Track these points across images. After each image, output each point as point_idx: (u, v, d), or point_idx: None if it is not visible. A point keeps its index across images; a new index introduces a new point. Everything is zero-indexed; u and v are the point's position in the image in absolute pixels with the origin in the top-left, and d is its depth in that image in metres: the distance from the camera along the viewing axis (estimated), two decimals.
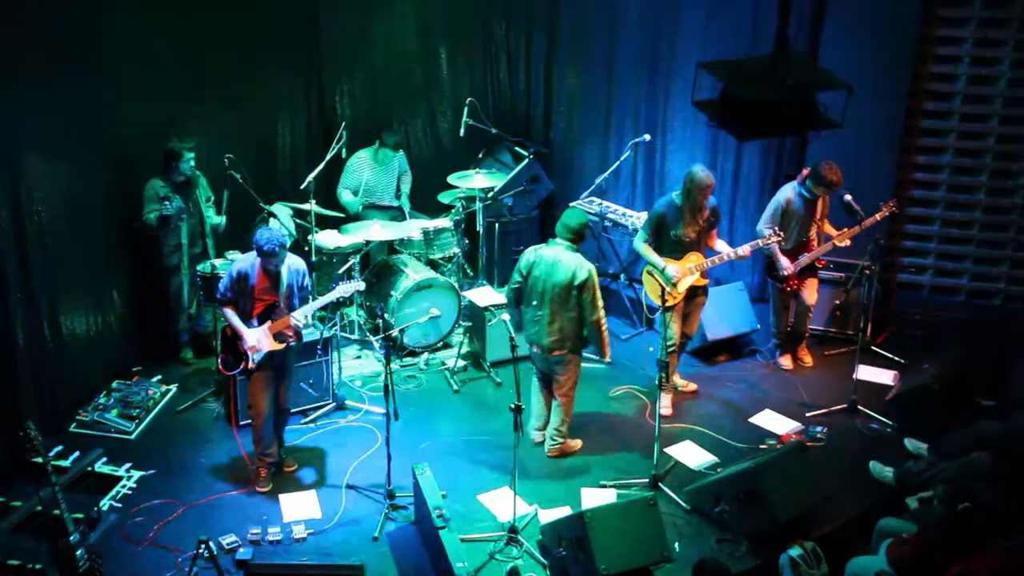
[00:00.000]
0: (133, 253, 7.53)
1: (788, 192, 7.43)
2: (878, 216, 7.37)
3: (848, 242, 7.38)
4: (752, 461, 5.91)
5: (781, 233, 7.17)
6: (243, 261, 6.22)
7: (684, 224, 6.89)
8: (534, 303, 6.40)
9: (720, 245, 7.11)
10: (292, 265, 6.23)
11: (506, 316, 6.36)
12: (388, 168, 8.53)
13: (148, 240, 7.36)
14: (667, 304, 6.75)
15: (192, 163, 7.24)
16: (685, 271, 6.96)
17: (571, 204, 8.55)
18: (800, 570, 5.38)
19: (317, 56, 8.64)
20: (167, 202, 7.11)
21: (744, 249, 7.01)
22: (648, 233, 7.03)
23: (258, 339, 6.15)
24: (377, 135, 8.39)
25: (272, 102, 8.46)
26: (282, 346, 6.24)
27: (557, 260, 6.32)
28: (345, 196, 8.41)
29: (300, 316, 6.19)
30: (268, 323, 6.17)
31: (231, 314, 6.18)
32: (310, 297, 6.67)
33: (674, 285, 6.89)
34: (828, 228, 7.51)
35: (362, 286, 6.75)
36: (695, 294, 7.15)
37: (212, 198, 7.50)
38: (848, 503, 6.24)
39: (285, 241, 6.10)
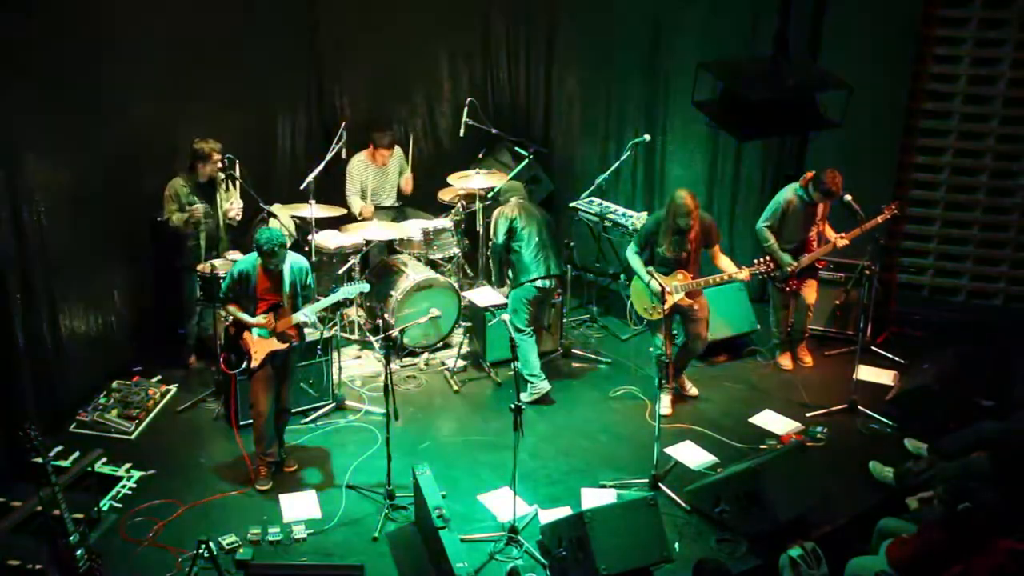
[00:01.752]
0: (134, 253, 7.52)
1: (789, 193, 7.41)
2: (879, 219, 7.31)
3: (846, 242, 7.36)
4: (752, 461, 5.91)
5: (771, 264, 6.90)
6: (244, 262, 6.21)
7: (666, 242, 6.84)
8: (534, 245, 7.13)
9: (724, 263, 7.00)
10: (294, 264, 6.22)
11: (506, 316, 6.36)
12: (387, 169, 8.53)
13: (164, 240, 7.32)
14: (652, 317, 6.84)
15: (219, 163, 7.18)
16: (670, 289, 6.90)
17: (571, 204, 8.60)
18: (800, 570, 5.38)
19: (317, 56, 8.63)
20: (195, 206, 7.10)
21: (744, 272, 6.85)
22: (638, 246, 7.03)
23: (266, 319, 6.13)
24: (369, 138, 8.39)
25: (272, 102, 8.46)
26: (285, 346, 6.25)
27: (531, 205, 7.38)
28: (354, 202, 8.40)
29: (303, 316, 6.19)
30: None
31: (233, 308, 6.19)
32: (313, 296, 6.67)
33: (662, 300, 6.82)
34: (829, 232, 7.49)
35: (366, 288, 6.74)
36: (688, 314, 7.03)
37: (234, 200, 7.41)
38: (848, 503, 6.23)
39: (285, 240, 6.09)
